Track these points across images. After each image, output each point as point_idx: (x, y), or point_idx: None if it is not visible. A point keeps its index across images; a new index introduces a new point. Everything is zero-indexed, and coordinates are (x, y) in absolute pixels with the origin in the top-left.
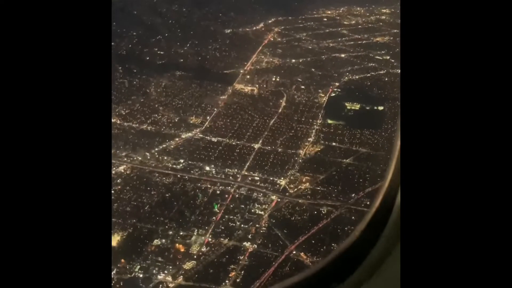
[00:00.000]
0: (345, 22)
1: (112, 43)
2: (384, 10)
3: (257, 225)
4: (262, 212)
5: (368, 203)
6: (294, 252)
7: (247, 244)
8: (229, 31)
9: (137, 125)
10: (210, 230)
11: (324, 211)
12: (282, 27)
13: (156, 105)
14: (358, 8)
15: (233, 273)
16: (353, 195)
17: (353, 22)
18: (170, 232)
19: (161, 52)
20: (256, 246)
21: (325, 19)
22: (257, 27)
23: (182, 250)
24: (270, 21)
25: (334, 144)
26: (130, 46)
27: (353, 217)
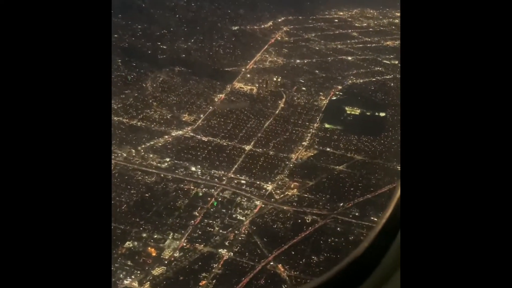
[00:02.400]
0: (356, 24)
1: (115, 35)
2: (398, 14)
3: (236, 232)
4: (244, 218)
5: (357, 214)
6: (272, 263)
7: (223, 251)
8: (236, 28)
9: (127, 120)
10: (186, 235)
11: (308, 220)
12: (291, 27)
13: (150, 101)
14: (372, 11)
15: (203, 282)
16: (341, 204)
17: (365, 24)
18: (144, 235)
19: (164, 47)
20: (232, 254)
21: (336, 20)
22: (266, 25)
23: (154, 254)
24: (279, 20)
25: (328, 149)
26: (133, 39)
27: (338, 228)
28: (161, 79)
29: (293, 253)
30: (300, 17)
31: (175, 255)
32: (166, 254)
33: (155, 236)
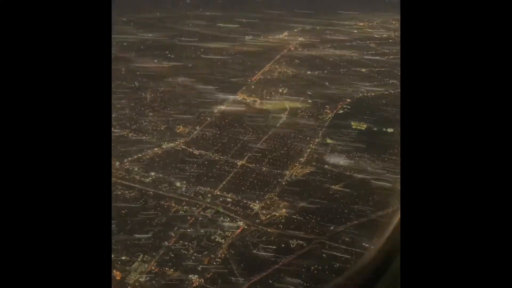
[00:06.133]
0: (376, 35)
1: (124, 44)
2: None
3: (212, 255)
4: (223, 240)
5: (347, 239)
6: None
7: (193, 277)
8: (249, 37)
9: (118, 130)
10: (157, 257)
11: (293, 244)
12: (307, 37)
13: (147, 111)
14: (394, 22)
15: None
16: (332, 228)
17: (385, 35)
18: (111, 256)
19: (171, 56)
20: (203, 280)
21: (355, 31)
22: (281, 36)
23: (118, 278)
24: (296, 30)
25: (326, 166)
26: (142, 48)
27: (324, 255)
28: (162, 88)
29: (270, 281)
30: (318, 27)
31: (140, 279)
32: (131, 278)
33: (123, 258)
